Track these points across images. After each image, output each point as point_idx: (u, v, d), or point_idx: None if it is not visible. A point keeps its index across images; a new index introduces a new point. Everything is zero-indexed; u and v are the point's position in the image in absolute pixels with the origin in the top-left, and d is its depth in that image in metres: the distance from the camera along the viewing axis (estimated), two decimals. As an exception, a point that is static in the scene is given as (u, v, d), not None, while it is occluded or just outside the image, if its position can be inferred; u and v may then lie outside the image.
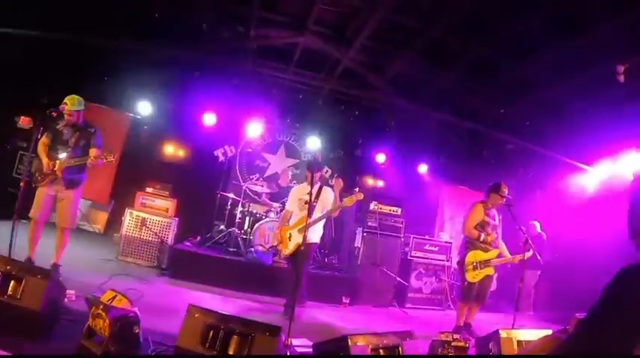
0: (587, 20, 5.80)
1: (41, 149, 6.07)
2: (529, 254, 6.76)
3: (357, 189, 6.96)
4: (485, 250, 6.94)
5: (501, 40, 6.88)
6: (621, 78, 6.31)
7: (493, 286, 7.51)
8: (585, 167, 9.74)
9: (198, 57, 8.89)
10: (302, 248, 6.18)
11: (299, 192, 7.13)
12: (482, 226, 6.96)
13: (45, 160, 5.99)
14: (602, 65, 6.54)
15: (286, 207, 7.32)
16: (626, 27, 5.66)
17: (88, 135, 6.18)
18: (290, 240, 6.85)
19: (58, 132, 6.12)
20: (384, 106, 10.36)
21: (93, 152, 6.02)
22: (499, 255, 7.00)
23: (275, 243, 7.40)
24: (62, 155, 6.03)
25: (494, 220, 7.12)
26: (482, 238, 6.90)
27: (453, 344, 4.83)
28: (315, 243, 7.02)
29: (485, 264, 6.89)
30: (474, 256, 6.93)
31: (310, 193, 6.19)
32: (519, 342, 4.76)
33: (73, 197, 6.21)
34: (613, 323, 0.89)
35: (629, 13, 5.38)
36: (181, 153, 11.35)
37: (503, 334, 4.79)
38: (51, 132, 6.13)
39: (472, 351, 5.11)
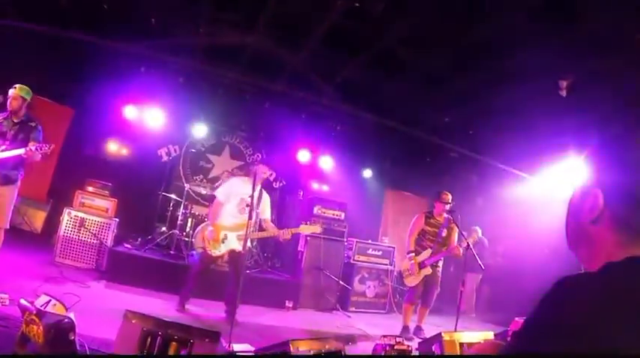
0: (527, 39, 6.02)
1: None
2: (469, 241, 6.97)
3: (317, 222, 7.10)
4: (418, 253, 7.33)
5: (447, 53, 7.07)
6: (564, 92, 6.60)
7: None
8: (526, 175, 10.05)
9: (144, 51, 8.64)
10: (238, 252, 6.08)
11: (239, 187, 6.68)
12: (422, 235, 7.43)
13: None
14: (543, 79, 6.80)
15: (219, 197, 6.73)
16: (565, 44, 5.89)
17: (28, 129, 5.83)
18: (223, 243, 6.58)
19: None
20: (330, 111, 10.40)
21: (31, 144, 5.63)
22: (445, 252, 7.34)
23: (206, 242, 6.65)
24: None
25: (439, 228, 7.41)
26: (422, 244, 7.39)
27: (395, 347, 4.90)
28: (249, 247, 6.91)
29: (421, 265, 7.21)
30: (407, 263, 7.36)
31: (252, 196, 5.85)
32: (462, 344, 4.86)
33: (9, 194, 5.83)
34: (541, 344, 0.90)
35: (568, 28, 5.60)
36: (124, 151, 10.88)
37: (446, 337, 4.89)
38: None
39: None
